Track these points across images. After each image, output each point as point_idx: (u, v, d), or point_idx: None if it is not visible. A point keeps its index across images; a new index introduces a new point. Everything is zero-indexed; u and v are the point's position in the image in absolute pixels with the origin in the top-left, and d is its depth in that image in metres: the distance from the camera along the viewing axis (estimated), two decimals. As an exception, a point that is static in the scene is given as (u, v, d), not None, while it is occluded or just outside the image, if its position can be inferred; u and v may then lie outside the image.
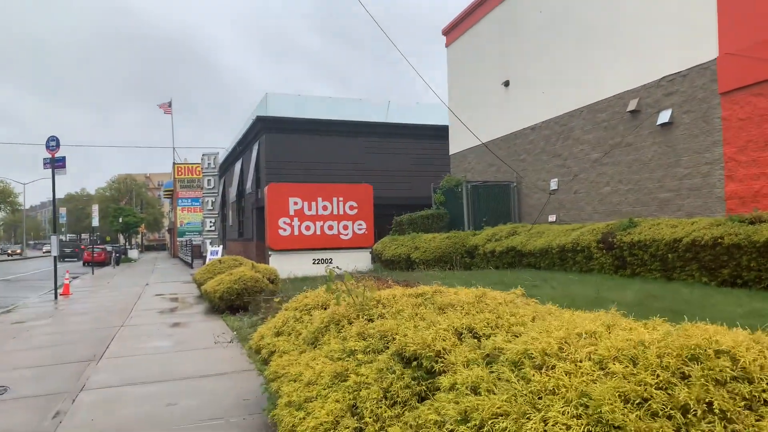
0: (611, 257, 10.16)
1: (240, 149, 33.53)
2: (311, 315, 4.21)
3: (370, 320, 3.35)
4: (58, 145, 17.79)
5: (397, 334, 2.78)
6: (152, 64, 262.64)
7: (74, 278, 28.07)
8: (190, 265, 33.66)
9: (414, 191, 27.43)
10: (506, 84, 18.38)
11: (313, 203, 18.98)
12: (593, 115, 14.48)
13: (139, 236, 75.31)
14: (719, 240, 7.82)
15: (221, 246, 30.24)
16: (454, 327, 2.61)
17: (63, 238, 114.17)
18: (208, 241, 31.71)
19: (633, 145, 13.04)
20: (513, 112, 18.12)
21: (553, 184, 16.04)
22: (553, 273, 11.22)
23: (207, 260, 28.32)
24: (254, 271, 12.60)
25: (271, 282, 12.48)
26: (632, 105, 12.98)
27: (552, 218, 15.97)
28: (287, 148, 26.64)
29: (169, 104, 61.00)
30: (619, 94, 13.54)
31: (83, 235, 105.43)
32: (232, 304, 11.59)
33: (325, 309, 4.23)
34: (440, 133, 27.84)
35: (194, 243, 38.47)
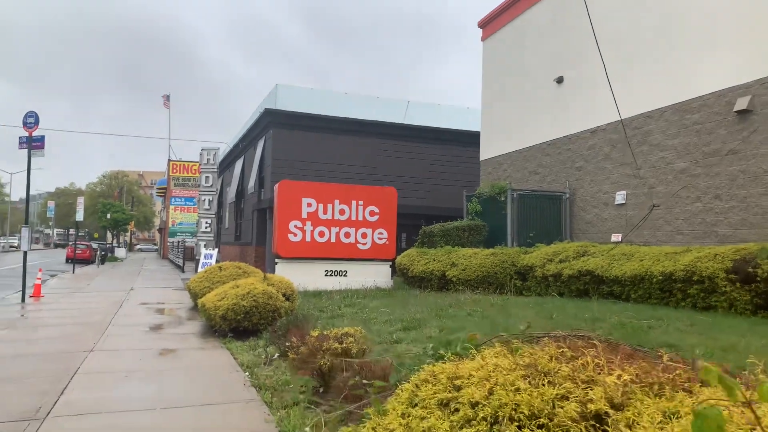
0: (748, 293, 7.68)
1: (242, 146, 30.97)
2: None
3: None
4: (36, 122, 15.22)
5: None
6: (132, 58, 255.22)
7: (52, 276, 25.37)
8: (181, 269, 30.97)
9: (434, 200, 24.97)
10: (559, 80, 15.98)
11: (329, 206, 16.44)
12: (680, 116, 12.06)
13: (128, 234, 72.20)
14: None
15: (216, 249, 27.55)
16: None
17: (49, 232, 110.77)
18: (201, 244, 29.02)
19: (739, 153, 10.61)
20: (567, 113, 15.71)
21: (620, 198, 13.58)
22: (655, 308, 8.72)
23: (200, 264, 25.60)
24: (266, 283, 10.03)
25: (286, 299, 9.92)
26: (741, 104, 10.57)
27: (616, 238, 13.50)
28: (296, 146, 24.11)
29: (168, 98, 58.66)
30: (720, 90, 11.13)
31: (71, 231, 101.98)
32: (238, 326, 9.03)
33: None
34: (465, 138, 25.48)
35: (187, 244, 35.85)
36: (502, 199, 15.29)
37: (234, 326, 9.01)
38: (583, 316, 8.28)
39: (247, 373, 6.37)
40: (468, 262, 13.23)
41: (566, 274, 11.03)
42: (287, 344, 6.37)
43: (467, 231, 15.39)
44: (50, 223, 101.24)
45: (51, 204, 55.00)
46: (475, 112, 26.08)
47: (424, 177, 25.49)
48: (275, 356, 7.28)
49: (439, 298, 11.72)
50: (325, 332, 5.57)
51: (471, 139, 24.38)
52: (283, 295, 9.89)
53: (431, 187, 25.43)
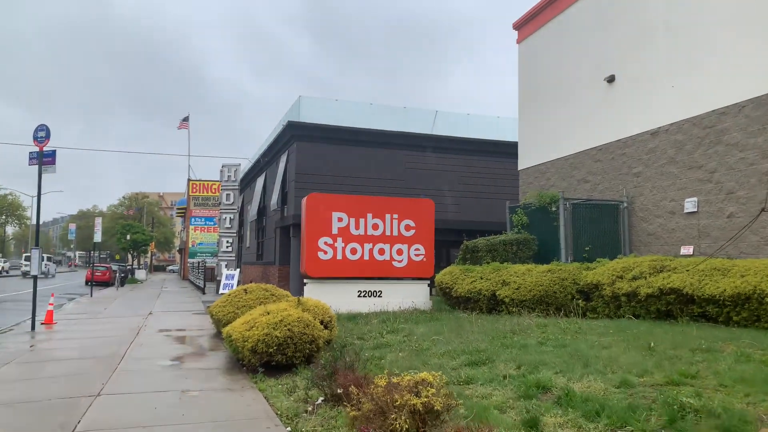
0: None
1: (264, 162, 29.93)
2: None
3: None
4: (48, 136, 14.21)
5: None
6: (142, 81, 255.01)
7: (69, 299, 24.35)
8: (202, 290, 29.83)
9: (467, 213, 23.61)
10: (610, 80, 14.60)
11: (362, 220, 15.17)
12: (764, 110, 10.61)
13: (149, 255, 71.61)
14: None
15: (238, 270, 26.38)
16: None
17: (71, 254, 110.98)
18: (223, 264, 27.91)
19: None
20: (620, 115, 14.30)
21: (690, 205, 12.09)
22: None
23: (222, 285, 24.41)
24: (301, 309, 8.72)
25: (324, 326, 8.59)
26: None
27: (687, 250, 12.00)
28: (321, 159, 22.94)
29: (185, 119, 58.15)
30: (816, 78, 9.70)
31: (93, 253, 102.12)
32: (270, 360, 7.71)
33: None
34: (500, 148, 24.17)
35: (208, 265, 34.75)
36: (553, 209, 13.88)
37: (265, 360, 7.70)
38: (688, 345, 6.84)
39: (289, 429, 5.03)
40: (522, 281, 11.80)
41: (643, 292, 9.55)
42: (339, 391, 5.03)
43: (515, 245, 13.98)
44: (71, 246, 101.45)
45: (72, 226, 54.50)
46: (507, 121, 24.79)
47: (456, 189, 24.16)
48: (319, 401, 5.95)
49: (493, 322, 10.30)
50: (393, 379, 4.22)
51: (505, 148, 23.08)
52: (321, 322, 8.58)
53: (463, 199, 24.08)
